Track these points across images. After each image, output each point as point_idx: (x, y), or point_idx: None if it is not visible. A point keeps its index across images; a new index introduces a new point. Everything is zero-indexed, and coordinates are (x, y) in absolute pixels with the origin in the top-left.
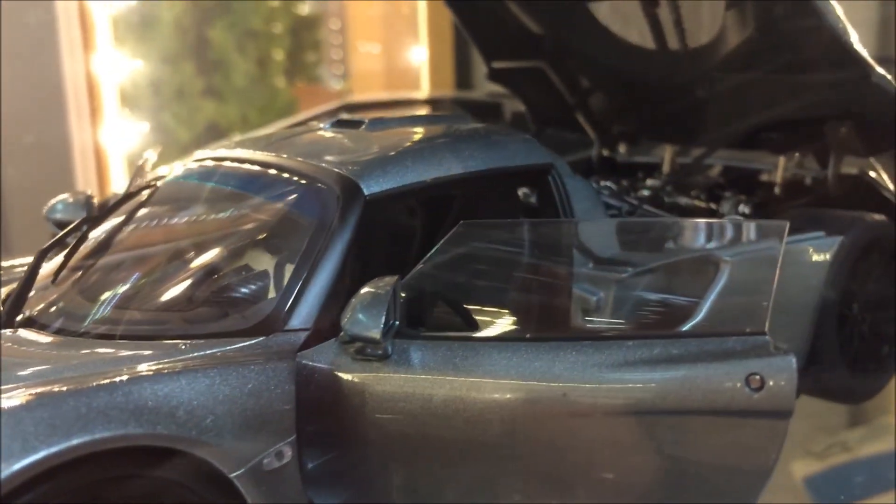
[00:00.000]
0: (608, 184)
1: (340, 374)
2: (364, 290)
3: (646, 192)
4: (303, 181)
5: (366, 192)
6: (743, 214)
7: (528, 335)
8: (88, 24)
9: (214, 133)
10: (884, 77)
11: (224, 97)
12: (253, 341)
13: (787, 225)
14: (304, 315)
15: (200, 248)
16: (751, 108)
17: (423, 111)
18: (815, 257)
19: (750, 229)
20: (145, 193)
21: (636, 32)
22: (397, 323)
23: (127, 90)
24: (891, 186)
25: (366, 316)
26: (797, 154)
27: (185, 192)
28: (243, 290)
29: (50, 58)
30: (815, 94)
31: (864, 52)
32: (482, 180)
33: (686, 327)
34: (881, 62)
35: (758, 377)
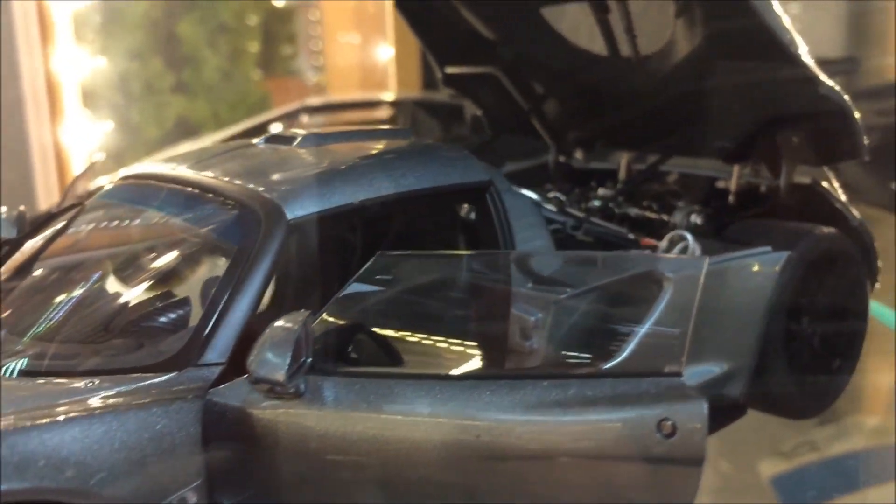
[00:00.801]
0: (557, 195)
1: (252, 412)
2: (275, 324)
3: (597, 203)
4: (226, 203)
5: (289, 215)
6: (695, 225)
7: (444, 373)
8: (47, 21)
9: (184, 129)
10: (832, 88)
11: (194, 93)
12: (162, 378)
13: (707, 260)
14: (219, 349)
15: (117, 275)
16: (705, 113)
17: (384, 112)
18: (763, 272)
19: (671, 264)
20: (69, 214)
21: (589, 39)
22: (309, 360)
23: (90, 88)
24: (842, 197)
25: (273, 355)
26: (752, 162)
27: (108, 212)
28: (158, 320)
29: (6, 55)
30: (767, 101)
31: (812, 63)
32: (416, 200)
33: (605, 366)
34: (848, 61)
35: (669, 423)
